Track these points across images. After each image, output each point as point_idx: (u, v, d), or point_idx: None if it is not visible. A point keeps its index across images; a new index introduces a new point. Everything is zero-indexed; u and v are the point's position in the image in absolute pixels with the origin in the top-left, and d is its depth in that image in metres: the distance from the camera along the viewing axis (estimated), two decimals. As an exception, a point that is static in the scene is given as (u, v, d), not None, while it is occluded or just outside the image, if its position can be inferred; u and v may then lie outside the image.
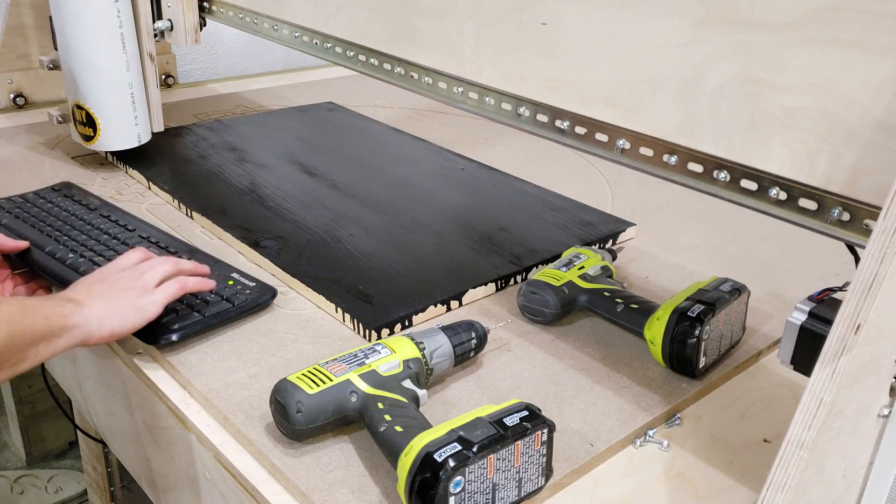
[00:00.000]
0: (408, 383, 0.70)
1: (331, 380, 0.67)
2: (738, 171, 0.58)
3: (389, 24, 0.85)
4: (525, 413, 0.61)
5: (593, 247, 0.95)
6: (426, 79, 0.79)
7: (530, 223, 1.06)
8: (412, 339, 0.73)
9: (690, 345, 0.74)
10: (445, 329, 0.75)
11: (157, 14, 1.15)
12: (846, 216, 0.53)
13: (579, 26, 0.64)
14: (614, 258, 0.94)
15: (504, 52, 0.70)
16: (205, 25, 1.18)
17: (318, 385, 0.66)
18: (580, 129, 0.67)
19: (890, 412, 0.53)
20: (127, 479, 1.24)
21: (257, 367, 0.77)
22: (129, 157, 1.20)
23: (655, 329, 0.76)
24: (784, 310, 0.89)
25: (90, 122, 1.12)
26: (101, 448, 1.18)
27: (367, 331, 0.82)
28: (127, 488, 1.26)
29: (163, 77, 1.63)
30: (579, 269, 0.87)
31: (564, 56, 0.66)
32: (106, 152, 1.24)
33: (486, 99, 0.73)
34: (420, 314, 0.85)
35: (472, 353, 0.76)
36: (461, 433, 0.59)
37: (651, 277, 0.97)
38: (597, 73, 0.64)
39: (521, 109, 0.70)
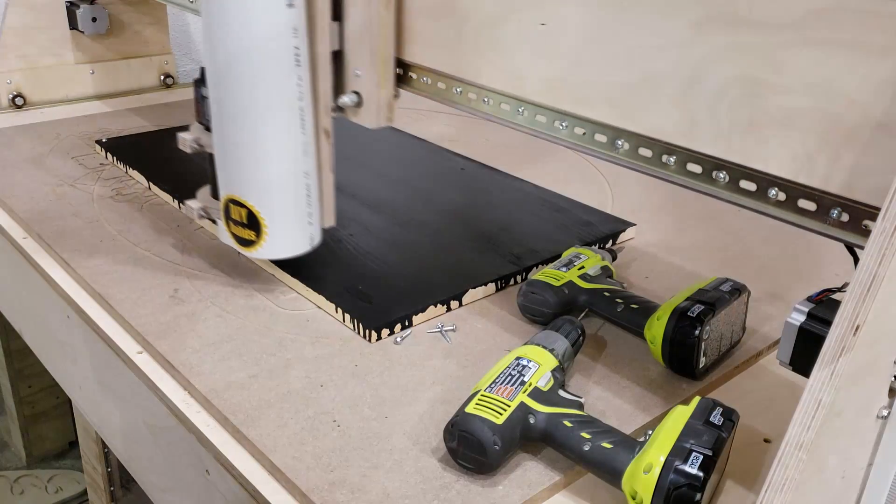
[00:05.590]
0: (563, 393, 0.69)
1: (508, 406, 0.65)
2: (737, 172, 0.58)
3: (389, 24, 0.84)
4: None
5: (593, 247, 0.95)
6: (424, 79, 0.79)
7: (530, 223, 1.06)
8: (543, 347, 0.72)
9: (690, 345, 0.75)
10: (552, 330, 0.75)
11: (339, 85, 0.84)
12: (845, 217, 0.53)
13: (578, 27, 0.64)
14: (614, 258, 0.94)
15: (503, 53, 0.70)
16: (397, 97, 0.85)
17: (501, 414, 0.64)
18: (579, 130, 0.67)
19: (889, 413, 0.53)
20: (127, 479, 1.24)
21: (257, 367, 0.77)
22: (130, 158, 1.20)
23: (655, 329, 0.76)
24: (784, 310, 0.89)
25: (254, 223, 0.84)
26: (101, 448, 1.18)
27: (367, 331, 0.82)
28: (127, 488, 1.25)
29: (162, 77, 1.64)
30: (579, 269, 0.87)
31: (563, 56, 0.66)
32: (107, 152, 1.25)
33: (485, 99, 0.73)
34: (420, 314, 0.85)
35: (580, 347, 0.77)
36: (688, 443, 0.60)
37: (651, 277, 0.97)
38: (595, 73, 0.64)
39: (520, 110, 0.70)
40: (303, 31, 0.78)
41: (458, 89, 0.76)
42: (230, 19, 0.76)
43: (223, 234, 0.89)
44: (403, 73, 0.82)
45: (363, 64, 0.80)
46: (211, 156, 0.88)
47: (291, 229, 0.86)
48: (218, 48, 0.78)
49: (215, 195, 0.91)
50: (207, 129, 0.88)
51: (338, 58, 0.82)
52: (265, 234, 0.84)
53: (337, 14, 0.79)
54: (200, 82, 0.88)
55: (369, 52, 0.78)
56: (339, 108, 0.84)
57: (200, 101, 0.89)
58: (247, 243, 0.87)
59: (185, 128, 1.36)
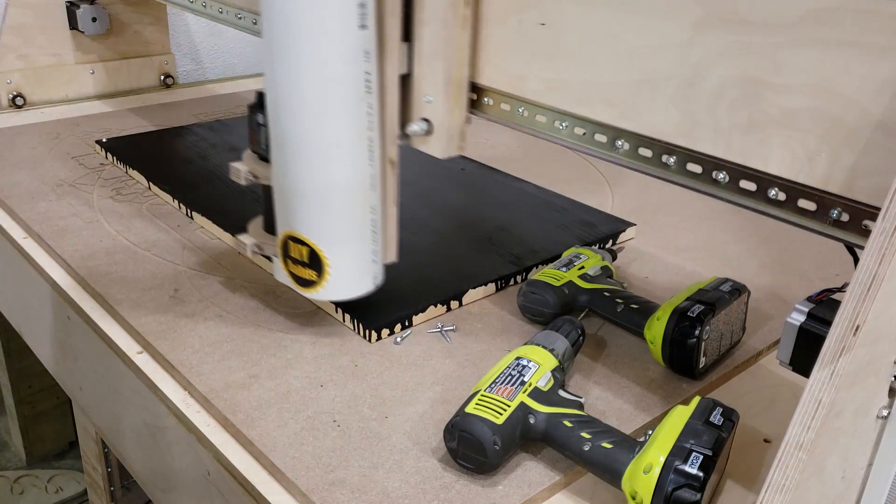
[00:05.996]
0: (563, 393, 0.68)
1: (508, 405, 0.65)
2: (737, 172, 0.58)
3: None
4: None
5: (593, 247, 0.95)
6: (493, 102, 0.78)
7: (530, 223, 1.06)
8: (543, 347, 0.72)
9: (690, 345, 0.75)
10: (552, 330, 0.75)
11: (406, 112, 0.77)
12: (845, 217, 0.53)
13: (578, 27, 0.64)
14: (614, 258, 0.94)
15: (502, 53, 0.70)
16: (469, 123, 0.78)
17: (501, 414, 0.64)
18: (579, 130, 0.67)
19: (889, 413, 0.53)
20: (127, 479, 1.24)
21: (257, 367, 0.77)
22: (130, 158, 1.20)
23: (655, 329, 0.77)
24: (784, 310, 0.89)
25: (315, 263, 0.77)
26: (101, 448, 1.18)
27: (367, 331, 0.82)
28: (127, 488, 1.25)
29: (162, 77, 1.64)
30: (579, 269, 0.87)
31: (563, 57, 0.65)
32: (107, 152, 1.25)
33: (485, 100, 0.73)
34: (420, 314, 0.85)
35: (580, 347, 0.77)
36: (688, 443, 0.59)
37: (651, 277, 0.97)
38: (596, 73, 0.64)
39: (520, 110, 0.70)
40: (374, 54, 0.71)
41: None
42: (297, 43, 0.69)
43: (279, 272, 0.82)
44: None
45: (435, 88, 0.73)
46: (266, 188, 0.82)
47: (355, 269, 0.79)
48: (282, 73, 0.71)
49: (270, 230, 0.85)
50: (262, 158, 0.83)
51: (405, 82, 0.75)
52: (327, 275, 0.78)
53: (407, 34, 0.73)
54: (257, 108, 0.81)
55: (443, 76, 0.72)
56: (406, 136, 0.76)
57: (256, 129, 0.82)
58: (307, 284, 0.79)
59: (185, 128, 1.36)
